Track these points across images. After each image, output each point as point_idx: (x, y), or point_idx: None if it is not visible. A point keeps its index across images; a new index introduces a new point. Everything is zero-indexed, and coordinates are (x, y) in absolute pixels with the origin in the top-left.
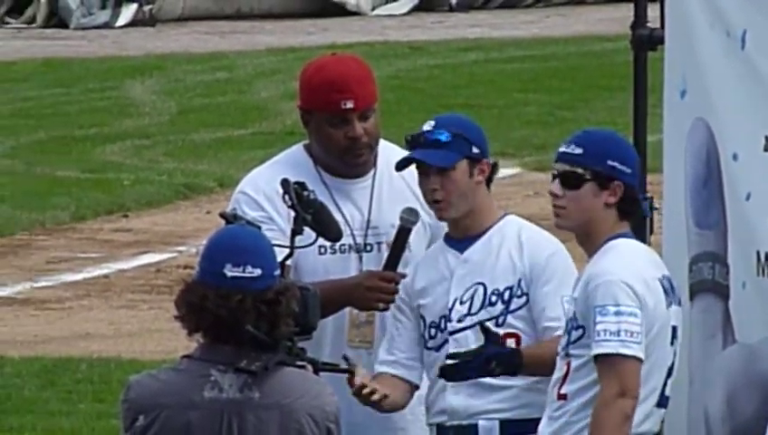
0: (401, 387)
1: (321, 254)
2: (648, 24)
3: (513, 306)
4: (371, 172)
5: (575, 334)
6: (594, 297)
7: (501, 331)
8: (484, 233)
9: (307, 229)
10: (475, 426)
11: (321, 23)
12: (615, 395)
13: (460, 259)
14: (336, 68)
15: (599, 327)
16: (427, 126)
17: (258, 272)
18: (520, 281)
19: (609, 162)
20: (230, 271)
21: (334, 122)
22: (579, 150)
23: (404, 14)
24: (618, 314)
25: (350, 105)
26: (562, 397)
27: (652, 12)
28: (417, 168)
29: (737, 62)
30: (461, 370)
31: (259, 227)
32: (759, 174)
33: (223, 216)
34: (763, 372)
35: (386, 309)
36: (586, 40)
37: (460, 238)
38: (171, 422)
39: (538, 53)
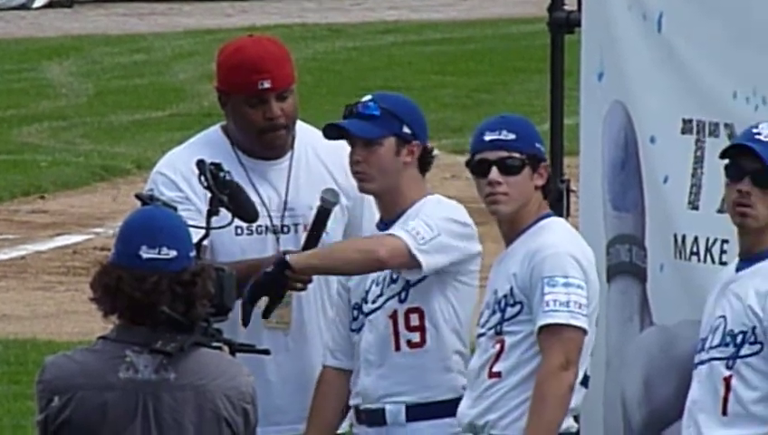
0: (337, 388)
1: (237, 235)
2: (566, 7)
3: (413, 280)
4: (289, 154)
5: (511, 311)
6: (542, 269)
7: (404, 306)
8: (403, 213)
9: (223, 210)
10: (383, 410)
11: (240, 5)
12: (560, 366)
13: None
14: (253, 49)
15: (548, 298)
16: (365, 98)
17: (174, 253)
18: None
19: (537, 145)
20: (145, 253)
21: (252, 103)
22: (512, 136)
23: None
24: (567, 285)
25: (267, 85)
26: (495, 375)
27: None
28: (346, 138)
29: (654, 45)
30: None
31: (175, 208)
32: (676, 157)
33: (138, 197)
34: (680, 355)
35: (303, 289)
36: (504, 23)
37: (388, 221)
38: (86, 403)
39: (456, 35)
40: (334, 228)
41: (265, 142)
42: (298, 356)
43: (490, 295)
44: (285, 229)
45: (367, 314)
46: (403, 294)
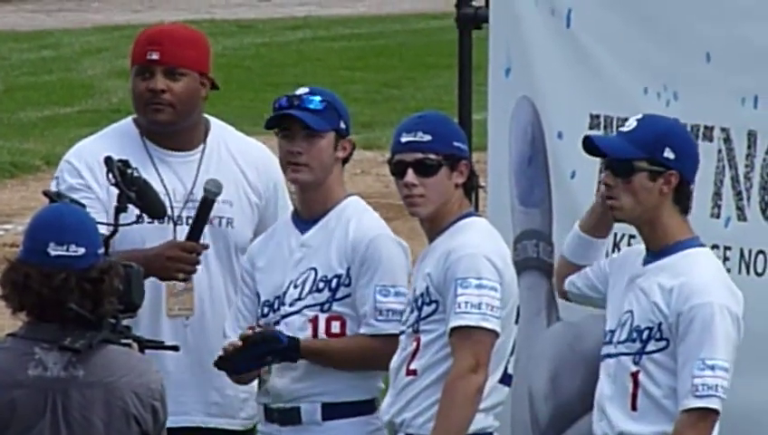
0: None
1: (138, 223)
2: (473, 3)
3: (339, 294)
4: (201, 147)
5: (427, 310)
6: (455, 270)
7: (326, 316)
8: (325, 214)
9: (131, 206)
10: (298, 409)
11: (148, 1)
12: (469, 368)
13: (299, 241)
14: (159, 27)
15: (460, 299)
16: (302, 91)
17: (82, 250)
18: (348, 269)
19: (455, 143)
20: (53, 250)
21: (141, 73)
22: (428, 137)
23: None
24: (480, 286)
25: (154, 57)
26: (412, 372)
27: None
28: (283, 129)
29: (562, 41)
30: (236, 362)
31: (84, 206)
32: (583, 152)
33: (46, 194)
34: (586, 350)
35: (185, 279)
36: (413, 18)
37: (305, 218)
38: None
39: (365, 31)
40: (242, 225)
41: (148, 116)
42: (196, 349)
43: (410, 293)
44: (187, 220)
45: (283, 316)
46: (326, 306)
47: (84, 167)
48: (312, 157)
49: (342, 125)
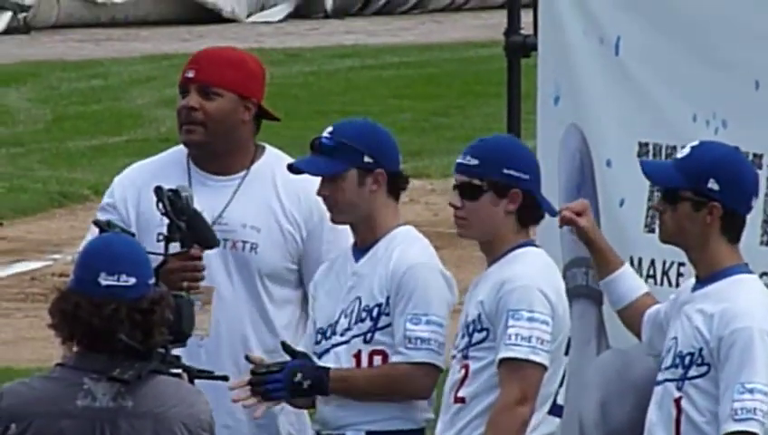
0: None
1: (158, 241)
2: (522, 31)
3: (381, 323)
4: (242, 173)
5: (477, 337)
6: (508, 301)
7: (369, 347)
8: (375, 243)
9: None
10: None
11: (197, 29)
12: (515, 401)
13: (352, 270)
14: (206, 48)
15: (510, 331)
16: (325, 132)
17: (133, 281)
18: (388, 298)
19: (506, 170)
20: (104, 279)
21: (181, 93)
22: (475, 161)
23: (279, 21)
24: (531, 320)
25: (190, 74)
26: (460, 400)
27: (526, 18)
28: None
29: (611, 69)
30: (266, 383)
31: (133, 235)
32: (632, 180)
33: (97, 223)
34: (636, 378)
35: (190, 289)
36: (461, 46)
37: (359, 247)
38: (43, 431)
39: (414, 59)
40: (269, 252)
41: (183, 136)
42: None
43: (463, 318)
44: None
45: (334, 345)
46: (369, 336)
47: (119, 186)
48: (335, 200)
49: (367, 159)
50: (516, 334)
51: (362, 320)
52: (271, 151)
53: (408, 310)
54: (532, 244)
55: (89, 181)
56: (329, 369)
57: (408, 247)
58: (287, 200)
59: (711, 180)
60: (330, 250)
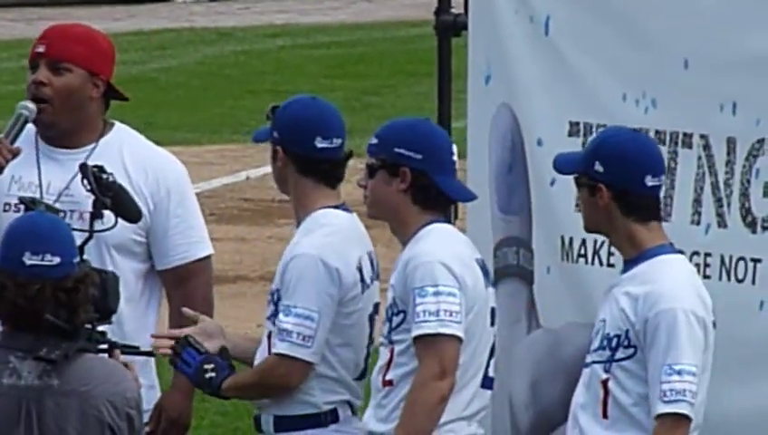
0: None
1: (5, 211)
2: (453, 10)
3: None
4: (91, 146)
5: (396, 320)
6: (413, 279)
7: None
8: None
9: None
10: (259, 417)
11: (128, 9)
12: (433, 376)
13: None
14: (56, 24)
15: (418, 308)
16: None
17: (57, 260)
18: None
19: (396, 149)
20: (29, 259)
21: (31, 68)
22: (375, 140)
23: (211, 0)
24: (437, 294)
25: (40, 49)
26: (388, 383)
27: None
28: None
29: (541, 48)
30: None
31: (57, 212)
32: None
33: (22, 200)
34: (566, 358)
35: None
36: (392, 26)
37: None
38: None
39: (345, 38)
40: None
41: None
42: None
43: (385, 302)
44: (60, 214)
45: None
46: (273, 319)
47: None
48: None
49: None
50: (424, 311)
51: (268, 303)
52: (120, 127)
53: (283, 300)
54: (437, 221)
55: None
56: (231, 374)
57: (305, 235)
58: (134, 173)
59: (596, 163)
60: (178, 224)
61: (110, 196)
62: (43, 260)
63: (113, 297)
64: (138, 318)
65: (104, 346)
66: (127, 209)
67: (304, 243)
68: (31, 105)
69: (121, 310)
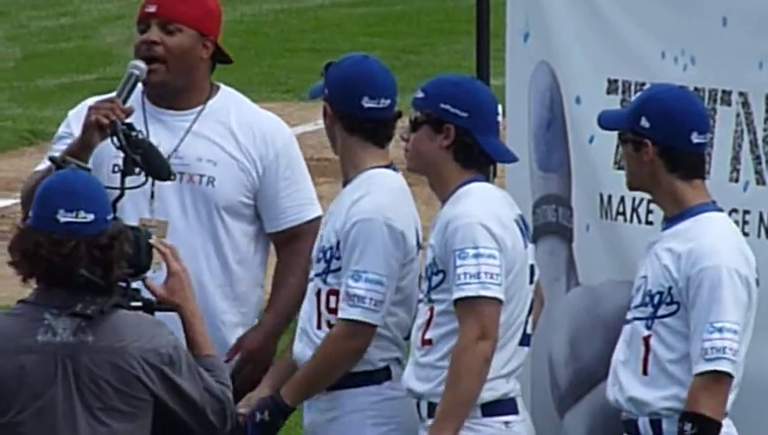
0: None
1: (114, 172)
2: None
3: (333, 266)
4: (198, 108)
5: (436, 280)
6: (453, 241)
7: (326, 287)
8: (350, 181)
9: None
10: None
11: None
12: (475, 338)
13: (330, 205)
14: None
15: (459, 271)
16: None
17: (91, 217)
18: (338, 243)
19: (442, 105)
20: (63, 216)
21: (140, 28)
22: (421, 94)
23: None
24: (477, 256)
25: (151, 9)
26: (427, 342)
27: None
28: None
29: (580, 6)
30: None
31: (89, 169)
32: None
33: (52, 160)
34: (605, 314)
35: (99, 123)
36: None
37: (344, 181)
38: (5, 365)
39: None
40: (226, 185)
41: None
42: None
43: (425, 261)
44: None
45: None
46: (324, 277)
47: (74, 118)
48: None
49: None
50: (465, 273)
51: (318, 260)
52: (226, 90)
53: (351, 265)
54: (477, 180)
55: (58, 119)
56: (278, 393)
57: (366, 196)
58: (243, 136)
59: (643, 118)
60: (288, 187)
61: (140, 153)
62: (77, 217)
63: (146, 253)
64: (250, 279)
65: (138, 304)
66: (157, 167)
67: (366, 206)
68: (141, 64)
69: (234, 271)
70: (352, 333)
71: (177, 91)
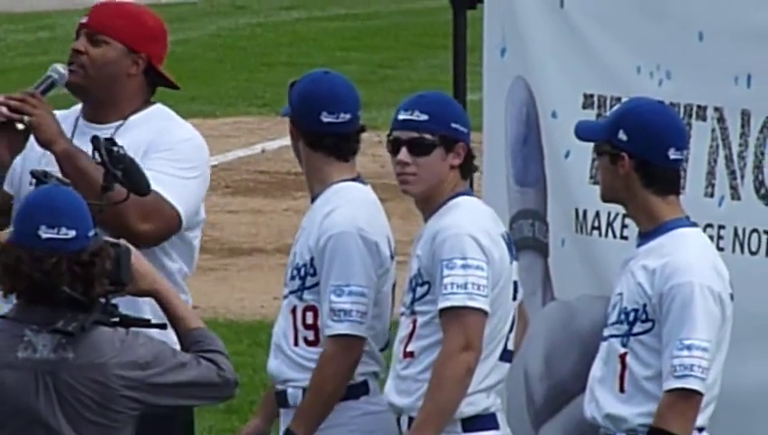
0: None
1: (30, 184)
2: None
3: (308, 283)
4: (119, 122)
5: (420, 291)
6: (441, 251)
7: (302, 304)
8: (318, 196)
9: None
10: (285, 392)
11: None
12: (459, 348)
13: (302, 221)
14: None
15: (446, 280)
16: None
17: (73, 233)
18: (312, 259)
19: (453, 125)
20: (45, 233)
21: (76, 37)
22: (424, 117)
23: None
24: (465, 266)
25: (84, 20)
26: (409, 355)
27: None
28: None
29: (556, 20)
30: None
31: (68, 185)
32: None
33: (33, 174)
34: (581, 329)
35: (21, 120)
36: None
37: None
38: None
39: (360, 11)
40: None
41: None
42: None
43: (408, 273)
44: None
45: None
46: (300, 293)
47: None
48: None
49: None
50: (452, 283)
51: (293, 278)
52: (157, 107)
53: (331, 280)
54: (465, 193)
55: None
56: (288, 430)
57: (337, 210)
58: (152, 150)
59: (620, 131)
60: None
61: (121, 168)
62: (58, 234)
63: (126, 269)
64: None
65: (115, 319)
66: (137, 182)
67: (338, 219)
68: (62, 69)
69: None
70: (344, 348)
71: (100, 104)
